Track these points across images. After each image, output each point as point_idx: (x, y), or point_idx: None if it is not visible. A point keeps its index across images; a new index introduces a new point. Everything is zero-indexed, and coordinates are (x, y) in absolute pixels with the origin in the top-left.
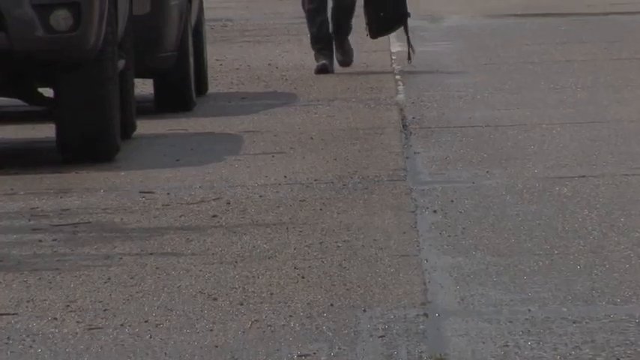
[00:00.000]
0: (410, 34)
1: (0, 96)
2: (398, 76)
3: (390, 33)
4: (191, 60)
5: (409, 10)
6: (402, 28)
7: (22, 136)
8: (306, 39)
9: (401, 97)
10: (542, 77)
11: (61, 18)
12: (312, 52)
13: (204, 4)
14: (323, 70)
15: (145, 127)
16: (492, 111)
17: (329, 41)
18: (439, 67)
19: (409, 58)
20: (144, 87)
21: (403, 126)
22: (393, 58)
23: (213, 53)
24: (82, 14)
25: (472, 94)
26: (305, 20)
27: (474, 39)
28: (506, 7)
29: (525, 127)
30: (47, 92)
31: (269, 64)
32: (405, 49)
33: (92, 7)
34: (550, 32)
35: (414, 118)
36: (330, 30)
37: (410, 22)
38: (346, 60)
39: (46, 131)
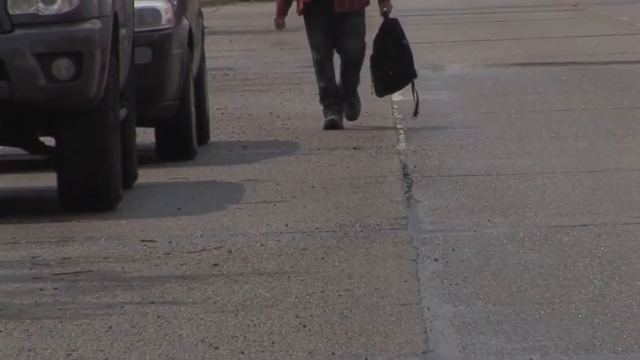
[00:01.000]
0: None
1: (2, 145)
2: (399, 125)
3: (396, 92)
4: (192, 109)
5: (415, 67)
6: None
7: (24, 184)
8: (308, 88)
9: (402, 145)
10: (544, 126)
11: (62, 67)
12: (318, 104)
13: (206, 54)
14: (332, 125)
15: (146, 175)
16: (494, 160)
17: (338, 95)
18: (440, 115)
19: (415, 114)
20: (145, 136)
21: (404, 174)
22: (395, 107)
23: (214, 102)
24: (84, 63)
25: (473, 142)
26: (314, 72)
27: (475, 88)
28: (507, 57)
29: (527, 175)
30: (49, 141)
31: (270, 113)
32: (405, 97)
33: (94, 56)
34: (551, 81)
35: (415, 166)
36: (338, 82)
37: None
38: (353, 114)
39: (48, 180)
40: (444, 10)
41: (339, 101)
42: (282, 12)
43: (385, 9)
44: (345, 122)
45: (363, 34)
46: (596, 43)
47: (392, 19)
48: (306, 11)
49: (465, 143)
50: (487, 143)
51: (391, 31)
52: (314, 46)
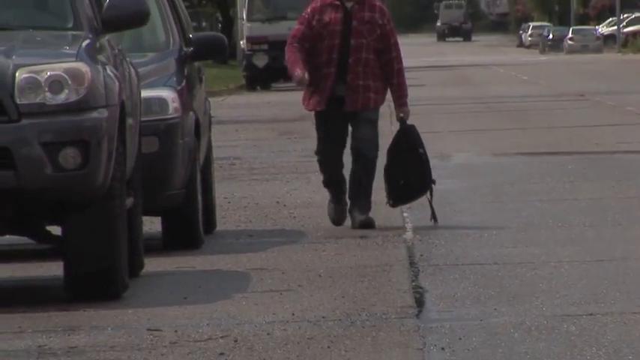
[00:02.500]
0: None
1: (8, 234)
2: (405, 214)
3: (412, 202)
4: (199, 198)
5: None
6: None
7: (30, 273)
8: (314, 177)
9: (409, 234)
10: (550, 215)
11: (69, 156)
12: (325, 192)
13: (213, 143)
14: (338, 222)
15: (152, 264)
16: (500, 249)
17: (343, 185)
18: (447, 204)
19: (435, 220)
20: (152, 224)
21: (411, 263)
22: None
23: (221, 191)
24: (91, 152)
25: (480, 231)
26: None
27: (482, 177)
28: (514, 146)
29: (533, 264)
30: (55, 230)
31: (277, 202)
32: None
33: (101, 145)
34: (557, 170)
35: (421, 255)
36: (349, 193)
37: None
38: (363, 221)
39: (54, 269)
40: (450, 99)
41: (344, 191)
42: (304, 65)
43: (402, 114)
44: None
45: (376, 123)
46: (602, 133)
47: (409, 125)
48: (319, 109)
49: (472, 232)
50: (493, 232)
51: (407, 139)
52: (322, 141)
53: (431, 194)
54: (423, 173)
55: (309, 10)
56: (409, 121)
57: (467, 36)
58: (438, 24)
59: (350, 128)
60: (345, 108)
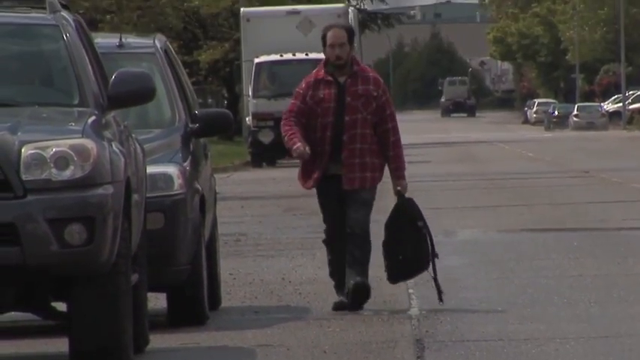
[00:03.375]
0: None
1: (14, 310)
2: (411, 290)
3: (412, 278)
4: (204, 274)
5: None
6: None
7: (36, 350)
8: (320, 253)
9: (414, 310)
10: (555, 292)
11: (75, 232)
12: (326, 266)
13: (218, 219)
14: (341, 307)
15: (158, 340)
16: (506, 325)
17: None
18: (452, 280)
19: (440, 299)
20: (157, 300)
21: (416, 339)
22: None
23: (226, 267)
24: (96, 229)
25: (485, 308)
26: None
27: (487, 253)
28: (519, 222)
29: (539, 341)
30: (60, 306)
31: (282, 278)
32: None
33: (106, 221)
34: (562, 247)
35: (427, 331)
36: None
37: None
38: (355, 301)
39: (60, 345)
40: (455, 175)
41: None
42: (303, 138)
43: (399, 188)
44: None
45: (370, 205)
46: (607, 209)
47: (407, 199)
48: (317, 187)
49: (477, 308)
50: (499, 308)
51: (405, 213)
52: (326, 220)
53: (434, 271)
54: (422, 248)
55: (303, 85)
56: (407, 194)
57: (471, 112)
58: (442, 100)
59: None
60: (343, 187)
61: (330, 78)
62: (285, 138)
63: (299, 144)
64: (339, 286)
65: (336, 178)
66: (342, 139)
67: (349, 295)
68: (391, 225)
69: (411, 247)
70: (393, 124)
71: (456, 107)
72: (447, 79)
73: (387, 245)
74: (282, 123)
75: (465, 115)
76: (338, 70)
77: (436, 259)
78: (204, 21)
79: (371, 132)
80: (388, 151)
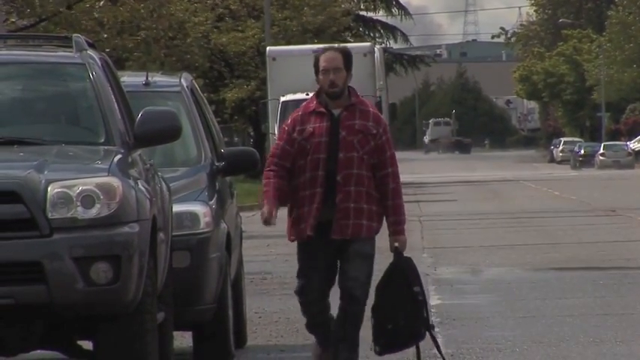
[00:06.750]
0: (442, 311)
1: (40, 348)
2: (437, 329)
3: (402, 349)
4: (230, 313)
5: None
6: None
7: None
8: None
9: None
10: (582, 330)
11: (101, 271)
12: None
13: (244, 258)
14: None
15: None
16: None
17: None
18: (478, 319)
19: None
20: (183, 339)
21: None
22: (433, 310)
23: (252, 306)
24: (122, 267)
25: (511, 346)
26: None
27: (513, 292)
28: (545, 261)
29: None
30: (86, 345)
31: None
32: (443, 301)
33: (132, 260)
34: (589, 286)
35: None
36: (334, 335)
37: (449, 273)
38: None
39: None
40: (481, 214)
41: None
42: (276, 199)
43: (397, 244)
44: None
45: (371, 258)
46: (633, 248)
47: (404, 258)
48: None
49: (503, 347)
50: (525, 347)
51: (400, 275)
52: (302, 276)
53: (435, 342)
54: (415, 317)
55: (289, 120)
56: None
57: (466, 150)
58: (426, 139)
59: (339, 262)
60: (332, 235)
61: (322, 109)
62: (263, 192)
63: (266, 207)
64: (323, 341)
65: (326, 227)
66: (335, 179)
67: None
68: (383, 288)
69: (403, 315)
70: (394, 168)
71: (451, 146)
72: (432, 120)
73: (376, 311)
74: (264, 171)
75: (458, 152)
76: (332, 101)
77: (434, 329)
78: (230, 59)
79: (369, 174)
80: (387, 200)
